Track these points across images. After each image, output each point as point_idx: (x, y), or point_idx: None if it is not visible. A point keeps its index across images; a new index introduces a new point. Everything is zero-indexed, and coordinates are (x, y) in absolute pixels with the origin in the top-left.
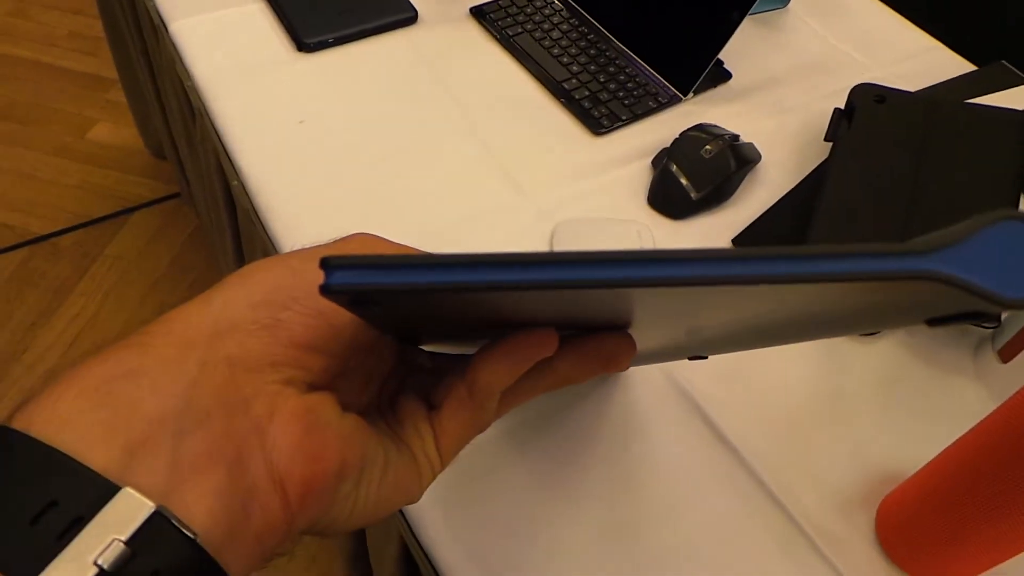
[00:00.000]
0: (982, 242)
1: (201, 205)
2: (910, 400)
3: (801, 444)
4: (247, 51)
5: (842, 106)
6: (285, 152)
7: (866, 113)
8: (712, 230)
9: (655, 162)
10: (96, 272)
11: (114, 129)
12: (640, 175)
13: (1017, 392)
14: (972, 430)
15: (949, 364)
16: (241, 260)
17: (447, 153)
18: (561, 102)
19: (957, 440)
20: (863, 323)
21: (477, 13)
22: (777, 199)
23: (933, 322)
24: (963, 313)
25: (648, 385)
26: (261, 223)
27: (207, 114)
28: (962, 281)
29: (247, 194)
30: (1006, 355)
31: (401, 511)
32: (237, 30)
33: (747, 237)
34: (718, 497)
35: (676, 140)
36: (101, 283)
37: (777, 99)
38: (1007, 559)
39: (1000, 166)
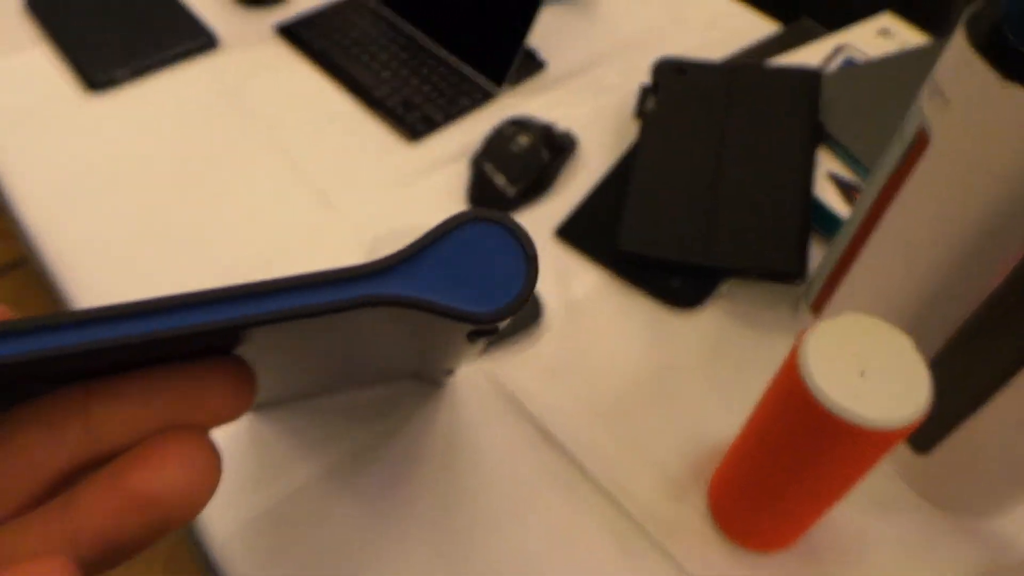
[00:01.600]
0: (446, 250)
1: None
2: (736, 366)
3: (630, 431)
4: (31, 98)
5: (649, 83)
6: (77, 203)
7: (668, 87)
8: (534, 224)
9: (471, 163)
10: None
11: None
12: (459, 176)
13: (785, 359)
14: (761, 397)
15: (771, 324)
16: None
17: (256, 182)
18: (376, 112)
19: (757, 404)
20: (431, 352)
21: (284, 31)
22: (595, 184)
23: (470, 336)
24: (478, 329)
25: (473, 394)
26: (52, 281)
27: None
28: (415, 301)
29: (37, 253)
30: (816, 307)
31: (213, 569)
32: (19, 78)
33: (569, 227)
34: (550, 500)
35: (488, 137)
36: None
37: (593, 82)
38: (815, 520)
39: (796, 124)
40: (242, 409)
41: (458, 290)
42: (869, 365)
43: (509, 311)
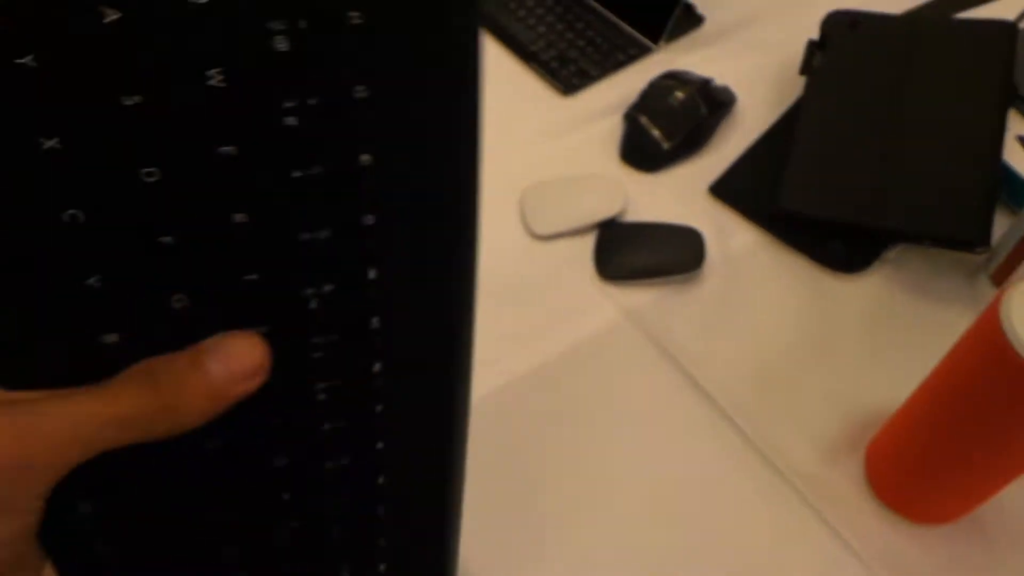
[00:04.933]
0: None
1: None
2: (902, 335)
3: (783, 391)
4: None
5: (817, 37)
6: None
7: (840, 42)
8: (687, 180)
9: (626, 116)
10: None
11: None
12: (612, 131)
13: (979, 318)
14: (943, 360)
15: (943, 294)
16: None
17: None
18: (531, 65)
19: (931, 372)
20: None
21: None
22: (753, 141)
23: None
24: None
25: (623, 341)
26: None
27: None
28: None
29: None
30: (999, 279)
31: None
32: None
33: (723, 185)
34: (699, 453)
35: (644, 91)
36: None
37: (753, 37)
38: (993, 493)
39: (985, 82)
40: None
41: None
42: None
43: None
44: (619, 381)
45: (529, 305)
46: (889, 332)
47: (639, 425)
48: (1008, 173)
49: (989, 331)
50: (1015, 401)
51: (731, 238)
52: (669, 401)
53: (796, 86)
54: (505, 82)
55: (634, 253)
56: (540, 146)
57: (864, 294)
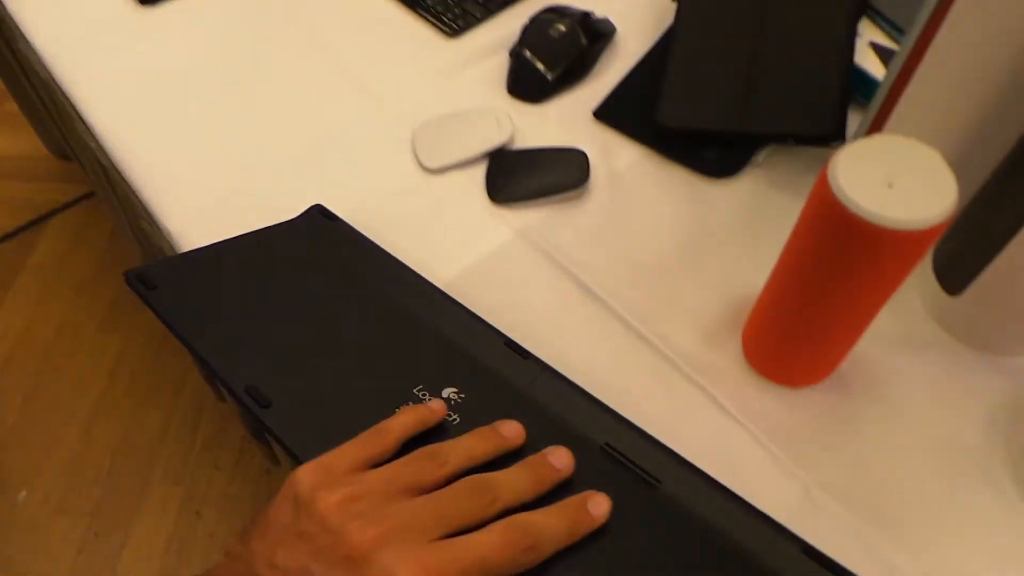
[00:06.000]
0: None
1: (99, 188)
2: (773, 229)
3: (668, 289)
4: (87, 11)
5: None
6: (140, 106)
7: None
8: (572, 107)
9: (511, 52)
10: (21, 284)
11: (13, 139)
12: (499, 67)
13: (815, 183)
14: (797, 222)
15: (808, 188)
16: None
17: (306, 83)
18: (417, 12)
19: (789, 237)
20: None
21: None
22: (632, 67)
23: None
24: None
25: (518, 260)
26: (126, 181)
27: (55, 82)
28: None
29: (106, 153)
30: None
31: None
32: None
33: (605, 108)
34: (595, 349)
35: (526, 25)
36: (28, 294)
37: None
38: (847, 348)
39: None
40: None
41: None
42: (897, 177)
43: None
44: (517, 293)
45: (429, 232)
46: (761, 227)
47: (538, 330)
48: (860, 75)
49: (822, 188)
50: (846, 251)
51: (615, 157)
52: (563, 306)
53: (669, 13)
54: (395, 31)
55: (523, 176)
56: (430, 87)
57: (738, 195)
